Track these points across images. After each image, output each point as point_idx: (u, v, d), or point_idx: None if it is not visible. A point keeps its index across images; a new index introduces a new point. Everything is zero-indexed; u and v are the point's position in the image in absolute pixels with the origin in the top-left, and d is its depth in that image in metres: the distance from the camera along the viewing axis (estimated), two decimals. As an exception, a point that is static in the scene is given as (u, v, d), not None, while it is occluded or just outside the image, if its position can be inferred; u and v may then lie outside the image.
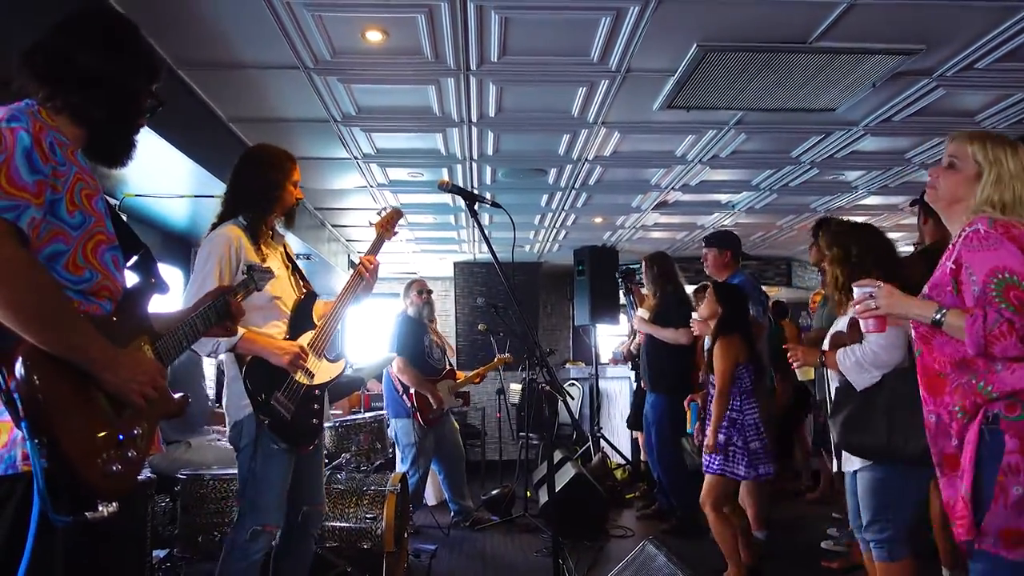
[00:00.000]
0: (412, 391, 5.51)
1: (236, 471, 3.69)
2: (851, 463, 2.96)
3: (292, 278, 2.94)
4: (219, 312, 2.05)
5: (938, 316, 2.05)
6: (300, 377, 2.78)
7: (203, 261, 2.66)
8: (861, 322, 2.34)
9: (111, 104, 1.71)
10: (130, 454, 1.63)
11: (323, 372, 2.90)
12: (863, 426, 2.79)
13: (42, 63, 1.66)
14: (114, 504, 1.54)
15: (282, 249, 2.96)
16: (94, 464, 1.52)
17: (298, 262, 3.13)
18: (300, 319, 2.87)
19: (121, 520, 1.63)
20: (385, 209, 3.37)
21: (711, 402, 3.93)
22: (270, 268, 2.47)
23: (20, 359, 1.43)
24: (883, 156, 5.43)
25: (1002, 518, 1.91)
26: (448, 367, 5.93)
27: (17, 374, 1.42)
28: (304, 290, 2.97)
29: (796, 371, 3.25)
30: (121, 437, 1.62)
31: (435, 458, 5.69)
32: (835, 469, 3.28)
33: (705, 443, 3.89)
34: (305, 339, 2.84)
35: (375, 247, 3.22)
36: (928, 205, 2.63)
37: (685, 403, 4.32)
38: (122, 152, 1.80)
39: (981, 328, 1.94)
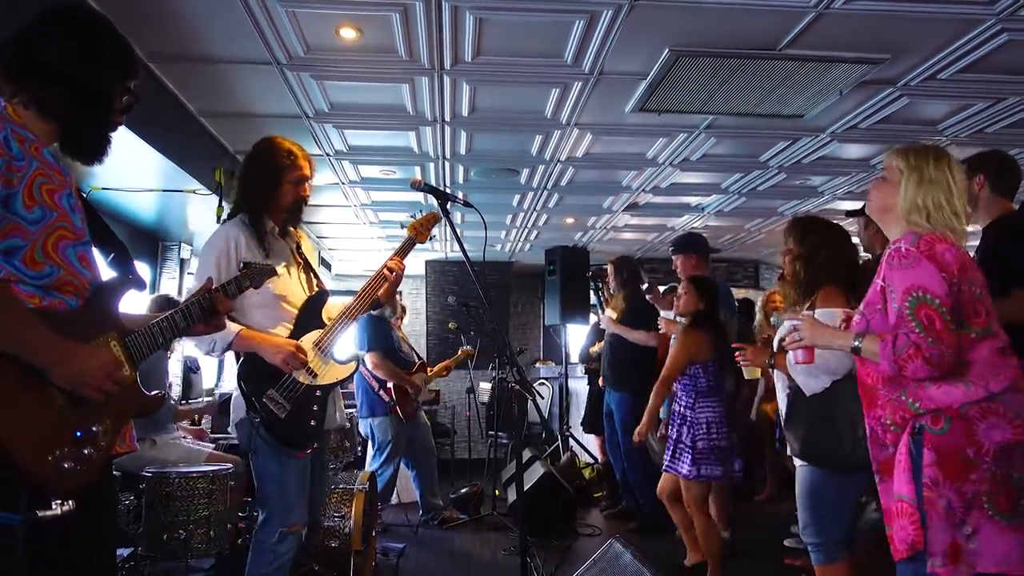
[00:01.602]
0: (390, 386, 5.49)
1: (202, 469, 3.73)
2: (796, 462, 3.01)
3: (303, 276, 2.87)
4: (203, 308, 1.96)
5: (856, 343, 2.12)
6: (301, 376, 2.68)
7: (202, 259, 2.68)
8: (790, 354, 2.45)
9: (78, 100, 1.69)
10: (86, 451, 1.59)
11: (329, 373, 2.77)
12: (827, 434, 2.79)
13: (9, 58, 1.65)
14: (70, 502, 1.51)
15: (293, 247, 2.88)
16: (44, 460, 1.49)
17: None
18: (306, 318, 2.78)
19: (87, 518, 1.62)
20: (420, 212, 3.21)
21: (678, 403, 3.98)
22: (271, 266, 2.40)
23: None
24: (849, 163, 5.54)
25: (941, 533, 1.92)
26: (418, 360, 5.92)
27: None
28: (315, 289, 2.89)
29: (743, 369, 3.30)
30: (78, 434, 1.58)
31: (407, 455, 5.68)
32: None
33: (636, 432, 3.98)
34: (310, 338, 2.74)
35: (404, 250, 3.05)
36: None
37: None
38: (96, 148, 1.77)
39: (891, 353, 1.97)
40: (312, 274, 2.92)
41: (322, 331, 2.77)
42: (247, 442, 2.66)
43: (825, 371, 2.78)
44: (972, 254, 2.24)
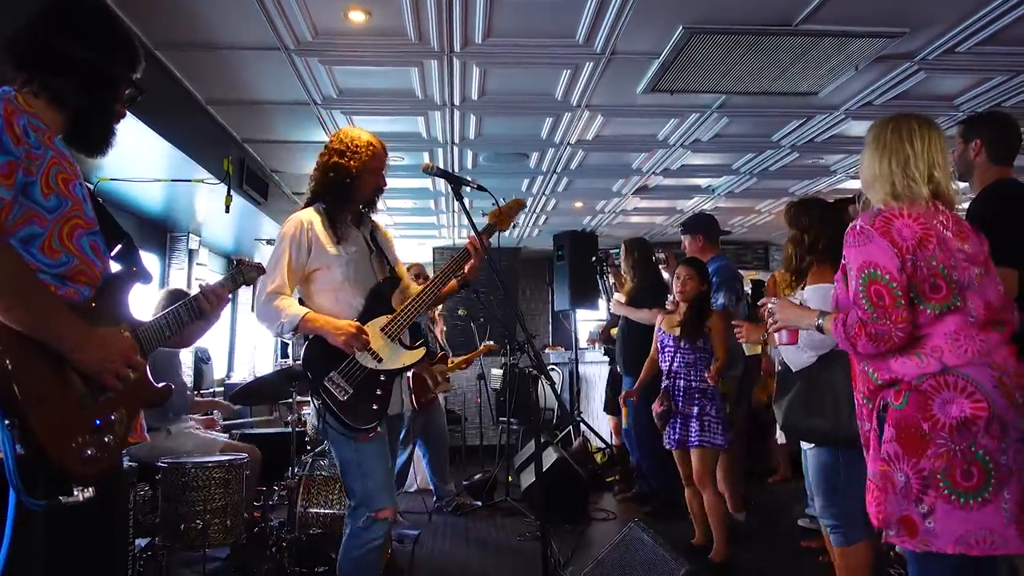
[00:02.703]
0: (408, 374, 5.44)
1: (217, 459, 3.72)
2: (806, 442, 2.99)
3: (375, 263, 2.87)
4: (207, 298, 2.02)
5: (819, 322, 2.17)
6: (364, 360, 2.68)
7: (276, 244, 2.74)
8: (775, 335, 2.51)
9: (86, 88, 1.71)
10: (106, 439, 1.62)
11: (397, 358, 2.78)
12: (808, 408, 2.79)
13: (20, 48, 1.67)
14: (90, 489, 1.54)
15: (367, 233, 2.90)
16: (68, 447, 1.51)
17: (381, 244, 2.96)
18: (373, 303, 2.78)
19: (104, 507, 1.65)
20: (504, 199, 3.12)
21: (685, 378, 3.99)
22: (260, 264, 2.40)
23: None
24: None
25: (895, 506, 1.92)
26: (441, 351, 5.88)
27: None
28: (386, 274, 2.89)
29: (743, 344, 3.33)
30: (98, 422, 1.61)
31: (420, 441, 5.66)
32: (780, 441, 3.35)
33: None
34: (377, 323, 2.74)
35: (488, 232, 3.01)
36: None
37: (620, 399, 4.35)
38: (100, 139, 1.80)
39: (842, 330, 2.00)
40: (386, 261, 2.91)
41: (390, 317, 2.78)
42: (321, 431, 2.70)
43: (810, 346, 2.77)
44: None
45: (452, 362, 5.97)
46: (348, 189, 2.80)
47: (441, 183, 2.89)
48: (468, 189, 2.98)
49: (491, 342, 6.49)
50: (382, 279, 2.85)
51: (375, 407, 2.70)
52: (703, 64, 3.87)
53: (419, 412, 5.46)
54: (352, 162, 2.79)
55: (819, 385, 2.76)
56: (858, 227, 2.02)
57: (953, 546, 1.83)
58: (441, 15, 3.40)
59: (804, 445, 2.95)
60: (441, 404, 5.94)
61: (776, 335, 2.50)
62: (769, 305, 2.41)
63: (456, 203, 3.08)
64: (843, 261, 2.11)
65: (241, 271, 2.29)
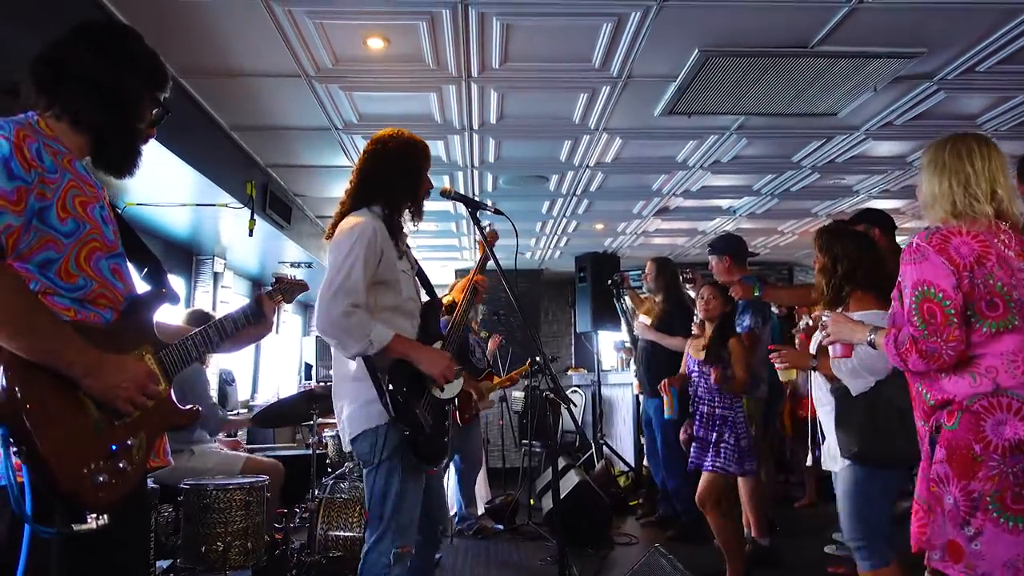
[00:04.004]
0: None
1: (238, 481, 3.74)
2: (834, 464, 2.93)
3: (417, 281, 2.70)
4: (247, 316, 2.03)
5: (871, 338, 2.16)
6: (434, 389, 2.52)
7: (345, 251, 2.37)
8: (830, 348, 2.49)
9: (109, 110, 1.69)
10: (121, 465, 1.58)
11: (451, 386, 2.61)
12: (877, 431, 2.71)
13: (42, 71, 1.66)
14: (104, 516, 1.50)
15: (405, 247, 2.67)
16: (79, 474, 1.48)
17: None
18: (430, 325, 2.62)
19: (122, 531, 1.60)
20: (488, 227, 3.07)
21: (708, 404, 3.95)
22: (303, 281, 2.39)
23: (1, 367, 1.42)
24: (884, 160, 5.43)
25: (940, 529, 1.88)
26: (487, 368, 5.86)
27: None
28: (427, 295, 2.73)
29: (779, 372, 3.24)
30: (113, 448, 1.57)
31: (455, 459, 5.60)
32: (809, 463, 3.29)
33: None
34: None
35: (481, 266, 2.97)
36: None
37: (662, 387, 4.18)
38: (126, 161, 1.77)
39: (893, 347, 1.99)
40: (425, 280, 2.77)
41: (442, 342, 2.63)
42: (368, 454, 2.44)
43: (869, 371, 2.74)
44: None
45: (497, 379, 5.96)
46: (408, 192, 2.56)
47: (462, 206, 2.87)
48: (486, 212, 2.98)
49: (537, 358, 6.45)
50: (426, 301, 2.70)
51: (445, 439, 2.60)
52: (720, 86, 3.88)
53: (458, 429, 5.40)
54: (414, 162, 2.57)
55: (881, 407, 2.70)
56: (915, 244, 2.01)
57: (1001, 570, 1.81)
58: (458, 41, 3.45)
59: (837, 465, 2.89)
60: (481, 423, 5.87)
61: (830, 348, 2.49)
62: (823, 318, 2.42)
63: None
64: (899, 278, 2.10)
65: (281, 289, 2.26)
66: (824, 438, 3.05)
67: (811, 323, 2.57)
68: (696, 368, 4.09)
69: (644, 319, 5.64)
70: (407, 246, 2.68)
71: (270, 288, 2.26)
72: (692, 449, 4.01)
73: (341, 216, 2.53)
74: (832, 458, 2.96)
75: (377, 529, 2.43)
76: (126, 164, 1.78)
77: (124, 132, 1.75)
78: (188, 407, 1.82)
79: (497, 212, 2.99)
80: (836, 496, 3.05)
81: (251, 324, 2.04)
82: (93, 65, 1.67)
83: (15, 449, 1.39)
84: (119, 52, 1.73)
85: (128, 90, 1.72)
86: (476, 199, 2.98)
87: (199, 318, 4.24)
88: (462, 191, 5.80)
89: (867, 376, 2.76)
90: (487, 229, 3.04)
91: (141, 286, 1.82)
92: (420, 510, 2.51)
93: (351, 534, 3.92)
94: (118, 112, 1.71)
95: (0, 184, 1.46)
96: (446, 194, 2.90)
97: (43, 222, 1.55)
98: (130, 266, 1.81)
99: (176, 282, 5.87)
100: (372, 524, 2.47)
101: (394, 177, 2.54)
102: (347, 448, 2.56)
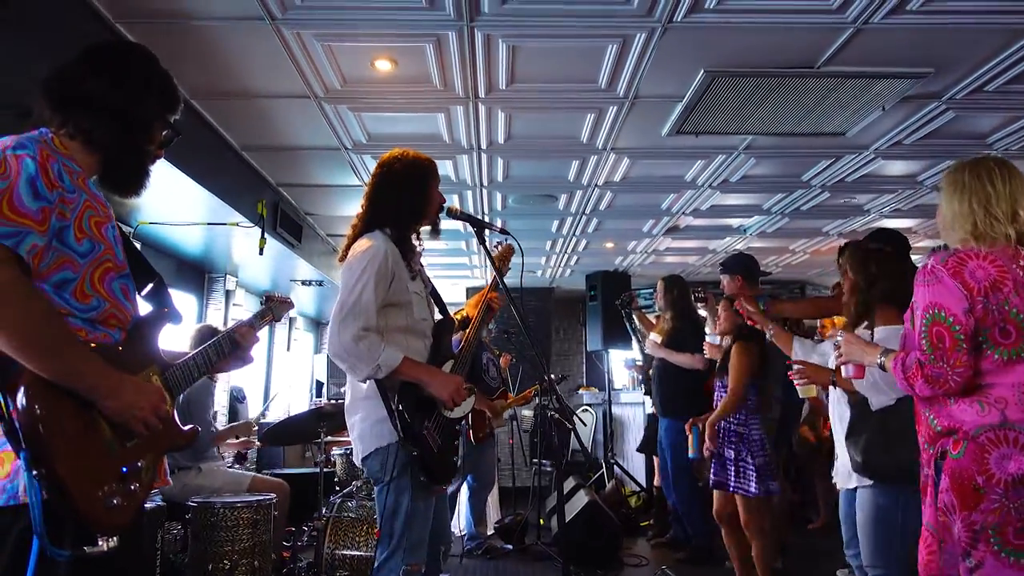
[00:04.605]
0: None
1: (246, 499, 3.74)
2: (849, 481, 2.89)
3: (430, 300, 2.70)
4: (232, 341, 2.06)
5: (880, 360, 2.14)
6: (443, 409, 2.53)
7: (356, 274, 2.39)
8: (842, 369, 2.48)
9: (120, 129, 1.71)
10: (132, 487, 1.60)
11: (463, 406, 2.61)
12: (888, 444, 2.68)
13: (56, 90, 1.68)
14: (114, 539, 1.51)
15: (418, 267, 2.68)
16: (94, 497, 1.50)
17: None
18: (441, 346, 2.63)
19: (125, 551, 1.60)
20: (500, 244, 3.08)
21: (726, 419, 3.90)
22: (289, 299, 2.44)
23: (22, 388, 1.42)
24: (895, 180, 5.41)
25: (947, 560, 1.86)
26: (501, 386, 5.85)
27: (19, 403, 1.41)
28: (440, 315, 2.74)
29: (798, 388, 3.21)
30: (124, 470, 1.59)
31: (468, 477, 5.59)
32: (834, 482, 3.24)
33: (705, 446, 3.88)
34: (446, 369, 2.60)
35: (496, 284, 2.95)
36: None
37: (687, 427, 4.22)
38: (135, 181, 1.79)
39: (900, 371, 1.98)
40: (437, 299, 2.76)
41: (453, 362, 2.64)
42: (379, 472, 2.45)
43: (892, 386, 2.68)
44: None
45: (511, 397, 5.94)
46: (420, 207, 2.58)
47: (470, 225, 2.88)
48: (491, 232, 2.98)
49: (552, 375, 6.45)
50: (438, 320, 2.70)
51: (455, 458, 2.62)
52: (727, 106, 3.89)
53: (472, 447, 5.40)
54: (421, 178, 2.58)
55: (895, 423, 2.66)
56: (929, 266, 2.00)
57: None
58: (465, 63, 3.48)
59: (858, 485, 2.84)
60: (495, 447, 5.85)
61: (843, 368, 2.48)
62: (836, 338, 2.43)
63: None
64: (912, 300, 2.09)
65: (271, 308, 2.35)
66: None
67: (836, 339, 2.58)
68: (717, 384, 4.06)
69: (655, 337, 5.62)
70: (420, 266, 2.70)
71: (260, 309, 2.33)
72: (712, 465, 3.97)
73: (353, 239, 2.55)
74: (846, 474, 2.93)
75: (387, 547, 2.44)
76: (134, 184, 1.79)
77: (135, 152, 1.77)
78: (188, 427, 1.85)
79: (503, 232, 2.99)
80: (843, 515, 3.01)
81: (231, 354, 2.08)
82: (106, 86, 1.69)
83: (35, 472, 1.40)
84: (131, 73, 1.75)
85: (140, 111, 1.75)
86: (481, 218, 2.99)
87: (207, 333, 4.26)
88: (471, 210, 5.85)
89: (889, 392, 2.71)
90: (502, 245, 3.06)
91: (143, 304, 1.83)
92: (428, 531, 2.51)
93: (359, 553, 3.91)
94: (129, 133, 1.73)
95: (26, 204, 1.47)
96: (452, 213, 2.90)
97: (61, 242, 1.57)
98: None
99: (188, 300, 5.93)
100: (383, 542, 2.48)
101: (401, 198, 2.56)
102: (359, 465, 2.58)
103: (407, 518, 2.42)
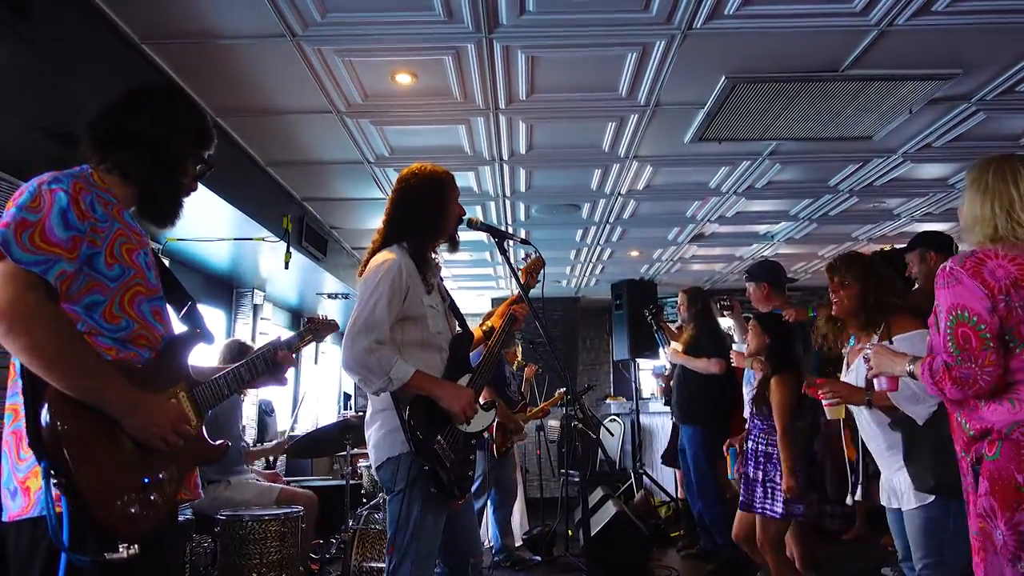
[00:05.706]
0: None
1: (274, 512, 3.76)
2: (897, 501, 2.81)
3: (448, 314, 2.70)
4: (267, 361, 2.13)
5: (909, 368, 2.11)
6: (459, 423, 2.53)
7: (371, 288, 2.42)
8: (875, 382, 2.41)
9: (154, 163, 1.83)
10: (153, 497, 1.66)
11: (478, 420, 2.59)
12: (943, 459, 2.56)
13: (98, 128, 1.82)
14: (135, 547, 1.56)
15: (436, 281, 2.68)
16: (113, 505, 1.56)
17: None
18: (458, 360, 2.62)
19: (152, 561, 1.65)
20: (527, 257, 3.08)
21: (755, 440, 3.83)
22: (334, 320, 2.48)
23: (46, 403, 1.51)
24: (925, 183, 5.32)
25: (996, 567, 1.80)
26: (521, 399, 5.85)
27: (42, 417, 1.51)
28: (458, 328, 2.73)
29: (826, 409, 3.04)
30: (146, 480, 1.65)
31: (492, 490, 5.57)
32: (859, 497, 3.15)
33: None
34: (463, 383, 2.59)
35: (524, 292, 2.95)
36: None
37: (724, 448, 4.16)
38: (169, 211, 1.90)
39: (929, 376, 1.95)
40: (456, 313, 2.76)
41: (471, 377, 2.64)
42: (390, 482, 2.46)
43: (927, 393, 2.61)
44: None
45: (530, 411, 5.93)
46: (438, 220, 2.59)
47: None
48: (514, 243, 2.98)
49: (563, 390, 6.43)
50: (456, 334, 2.70)
51: (470, 473, 2.60)
52: (750, 112, 3.85)
53: (495, 461, 5.39)
54: (439, 191, 2.59)
55: (947, 434, 2.59)
56: (948, 268, 1.97)
57: None
58: (484, 75, 3.49)
59: (904, 504, 2.75)
60: (515, 457, 5.84)
61: (875, 382, 2.42)
62: (867, 351, 2.39)
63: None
64: (935, 304, 2.05)
65: (312, 329, 2.42)
66: (862, 470, 2.94)
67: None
68: (750, 406, 3.97)
69: (676, 345, 5.58)
70: (439, 279, 2.71)
71: (301, 330, 2.40)
72: (742, 486, 3.90)
73: (372, 254, 2.58)
74: (894, 494, 2.84)
75: (396, 557, 2.43)
76: (169, 215, 1.91)
77: (169, 186, 1.89)
78: (218, 442, 1.92)
79: (524, 242, 2.99)
80: (895, 532, 2.91)
81: (266, 373, 2.14)
82: (145, 126, 1.83)
83: (55, 481, 1.48)
84: (170, 114, 1.89)
85: (176, 149, 1.88)
86: (503, 229, 2.98)
87: (235, 348, 4.31)
88: (495, 221, 5.85)
89: (928, 400, 2.59)
90: (531, 257, 3.07)
91: (179, 326, 1.93)
92: (445, 541, 2.50)
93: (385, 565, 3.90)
94: (164, 167, 1.86)
95: (58, 234, 1.59)
96: (472, 225, 2.90)
97: (92, 267, 1.68)
98: (168, 307, 1.92)
99: (216, 314, 6.00)
100: (398, 552, 2.45)
101: (418, 212, 2.57)
102: (374, 474, 2.59)
103: (415, 529, 2.41)
